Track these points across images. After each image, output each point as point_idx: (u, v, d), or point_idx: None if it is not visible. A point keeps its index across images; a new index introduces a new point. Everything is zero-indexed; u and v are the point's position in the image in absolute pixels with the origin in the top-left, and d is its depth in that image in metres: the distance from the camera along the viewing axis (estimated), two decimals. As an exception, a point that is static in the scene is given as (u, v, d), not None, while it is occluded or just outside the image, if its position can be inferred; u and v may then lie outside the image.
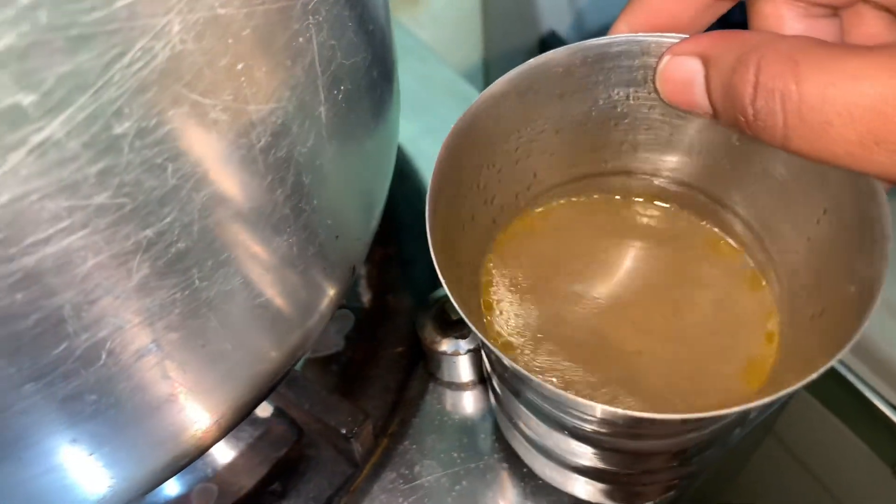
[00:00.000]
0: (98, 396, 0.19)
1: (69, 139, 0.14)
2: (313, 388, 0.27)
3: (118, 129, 0.14)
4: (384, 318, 0.34)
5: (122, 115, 0.14)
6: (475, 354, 0.31)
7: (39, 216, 0.14)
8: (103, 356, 0.18)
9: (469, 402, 0.32)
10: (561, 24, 0.72)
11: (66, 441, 0.20)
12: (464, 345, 0.30)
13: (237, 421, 0.25)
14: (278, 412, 0.30)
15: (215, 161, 0.17)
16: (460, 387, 0.32)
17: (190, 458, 0.25)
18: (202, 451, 0.25)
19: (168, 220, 0.16)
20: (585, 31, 0.75)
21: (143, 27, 0.14)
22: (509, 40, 0.77)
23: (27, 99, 0.13)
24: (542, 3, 0.72)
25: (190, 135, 0.16)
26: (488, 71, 0.77)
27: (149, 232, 0.16)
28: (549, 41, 0.68)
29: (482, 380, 0.32)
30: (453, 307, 0.30)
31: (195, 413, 0.23)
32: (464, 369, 0.31)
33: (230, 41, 0.16)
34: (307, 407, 0.27)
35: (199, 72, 0.15)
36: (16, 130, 0.13)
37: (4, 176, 0.13)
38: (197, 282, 0.19)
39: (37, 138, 0.13)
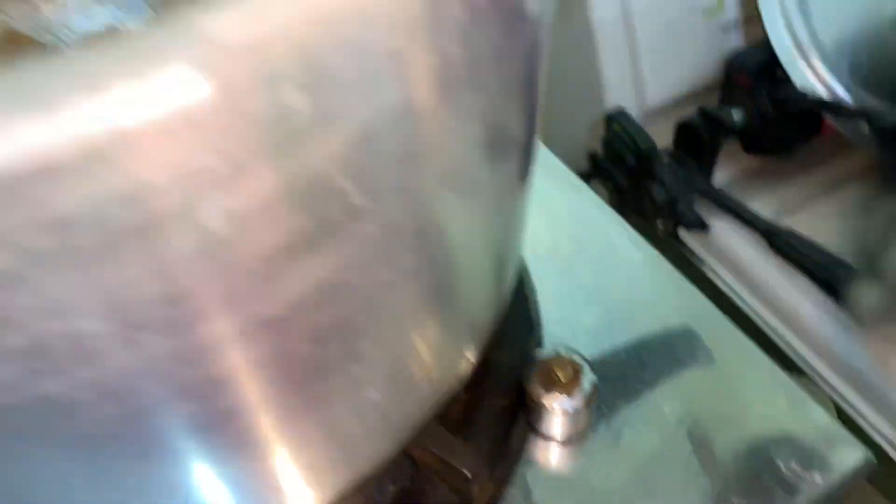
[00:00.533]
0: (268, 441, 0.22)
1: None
2: (439, 430, 0.30)
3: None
4: (486, 372, 0.36)
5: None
6: (576, 413, 0.33)
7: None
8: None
9: (569, 456, 0.34)
10: (626, 101, 0.76)
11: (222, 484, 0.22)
12: (567, 403, 0.33)
13: (374, 472, 0.28)
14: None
15: (426, 231, 0.20)
16: (561, 442, 0.34)
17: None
18: (338, 499, 0.28)
19: (386, 277, 0.19)
20: (648, 108, 0.78)
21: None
22: (572, 114, 0.80)
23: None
24: (608, 80, 0.75)
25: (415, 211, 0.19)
26: (548, 145, 0.80)
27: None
28: (617, 118, 0.72)
29: (580, 437, 0.34)
30: (561, 364, 0.33)
31: (343, 464, 0.26)
32: (565, 425, 0.34)
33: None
34: (432, 448, 0.30)
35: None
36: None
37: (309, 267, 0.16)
38: (381, 337, 0.21)
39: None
